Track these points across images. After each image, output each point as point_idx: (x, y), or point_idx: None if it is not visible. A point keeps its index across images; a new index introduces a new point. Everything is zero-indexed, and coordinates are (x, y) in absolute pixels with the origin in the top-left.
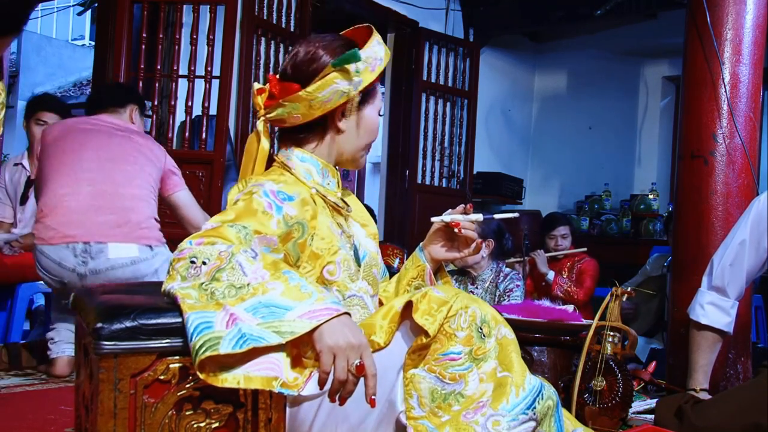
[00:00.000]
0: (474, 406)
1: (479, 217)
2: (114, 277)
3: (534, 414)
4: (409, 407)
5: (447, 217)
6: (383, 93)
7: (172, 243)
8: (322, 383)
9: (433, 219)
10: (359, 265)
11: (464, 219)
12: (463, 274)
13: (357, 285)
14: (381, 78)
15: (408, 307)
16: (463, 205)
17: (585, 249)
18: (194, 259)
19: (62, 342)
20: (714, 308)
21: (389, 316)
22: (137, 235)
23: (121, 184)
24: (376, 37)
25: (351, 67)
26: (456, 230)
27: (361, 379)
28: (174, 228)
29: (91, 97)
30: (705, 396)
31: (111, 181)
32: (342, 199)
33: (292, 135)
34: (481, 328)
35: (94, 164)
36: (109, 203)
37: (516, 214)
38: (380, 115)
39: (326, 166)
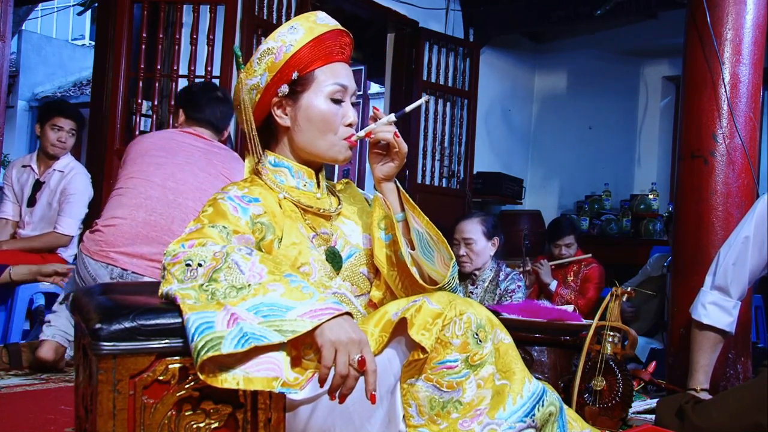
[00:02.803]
0: (471, 414)
1: (391, 117)
2: None
3: (533, 421)
4: (409, 416)
5: (361, 132)
6: (382, 93)
7: None
8: (322, 380)
9: (352, 139)
10: (336, 267)
11: (376, 125)
12: (464, 276)
13: (336, 282)
14: (377, 76)
15: (403, 321)
16: (372, 114)
17: (590, 255)
18: (189, 262)
19: (57, 328)
20: (716, 308)
21: (381, 323)
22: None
23: (176, 220)
24: (288, 24)
25: (253, 64)
26: (368, 139)
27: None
28: None
29: (197, 102)
30: (705, 396)
31: (168, 216)
32: (336, 197)
33: (263, 140)
34: (476, 334)
35: (157, 192)
36: (159, 238)
37: (426, 98)
38: (336, 101)
39: (299, 168)
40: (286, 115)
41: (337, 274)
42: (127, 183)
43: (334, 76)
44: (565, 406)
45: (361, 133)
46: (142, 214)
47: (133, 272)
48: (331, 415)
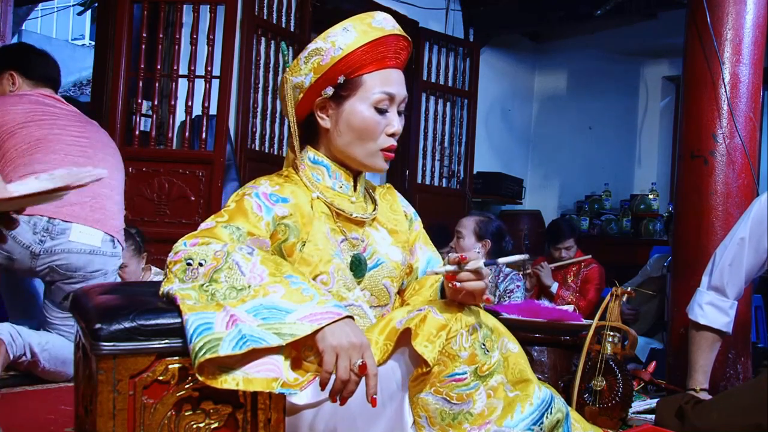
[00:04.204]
0: (480, 423)
1: (478, 263)
2: (66, 261)
3: (541, 429)
4: (420, 426)
5: (441, 269)
6: None
7: (173, 243)
8: (323, 384)
9: (427, 271)
10: (358, 275)
11: (461, 270)
12: None
13: (354, 294)
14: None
15: (407, 331)
16: (456, 257)
17: (589, 256)
18: (190, 261)
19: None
20: (713, 308)
21: (386, 331)
22: (107, 224)
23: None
24: (342, 25)
25: (300, 61)
26: (450, 285)
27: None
28: (174, 228)
29: (34, 64)
30: (705, 396)
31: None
32: (374, 202)
33: (305, 135)
34: (484, 344)
35: (74, 150)
36: (89, 188)
37: (525, 256)
38: (380, 110)
39: (337, 168)
40: (328, 117)
41: (359, 281)
42: (35, 145)
43: (383, 83)
44: (570, 409)
45: (440, 270)
46: (66, 166)
47: (62, 220)
48: (333, 419)
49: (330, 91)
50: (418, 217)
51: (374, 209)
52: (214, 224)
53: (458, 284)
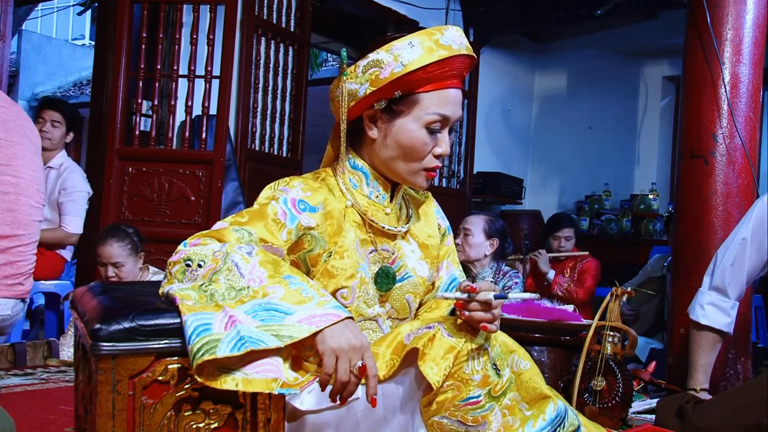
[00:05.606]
0: None
1: (489, 295)
2: None
3: None
4: None
5: (451, 295)
6: None
7: (173, 243)
8: (323, 385)
9: (436, 296)
10: (385, 288)
11: (470, 300)
12: (463, 272)
13: (375, 310)
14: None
15: (415, 351)
16: (467, 285)
17: (587, 252)
18: (189, 262)
19: None
20: (714, 309)
21: (393, 345)
22: (16, 289)
23: (20, 224)
24: (408, 38)
25: (358, 68)
26: (458, 312)
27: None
28: (174, 228)
29: None
30: (705, 396)
31: (11, 220)
32: (408, 214)
33: (349, 137)
34: (495, 364)
35: None
36: (6, 246)
37: (537, 295)
38: (431, 131)
39: (376, 177)
40: (377, 128)
41: (383, 294)
42: None
43: (439, 104)
44: (580, 419)
45: (450, 296)
46: None
47: None
48: (336, 428)
49: (383, 103)
50: (451, 231)
51: (408, 221)
52: (227, 225)
53: (467, 313)
